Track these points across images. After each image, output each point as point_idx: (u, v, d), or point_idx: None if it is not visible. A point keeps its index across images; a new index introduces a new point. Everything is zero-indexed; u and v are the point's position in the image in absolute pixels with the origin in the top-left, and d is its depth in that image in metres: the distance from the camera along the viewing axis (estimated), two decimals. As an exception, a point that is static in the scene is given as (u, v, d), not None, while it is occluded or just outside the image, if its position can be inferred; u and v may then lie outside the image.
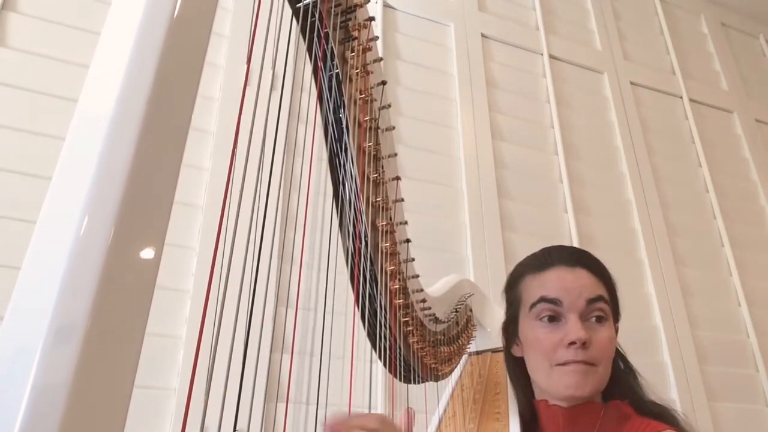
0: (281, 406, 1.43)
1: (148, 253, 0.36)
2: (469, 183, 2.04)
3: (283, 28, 0.59)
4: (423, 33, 2.29)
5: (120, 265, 0.34)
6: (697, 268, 2.31)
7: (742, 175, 2.66)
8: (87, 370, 0.32)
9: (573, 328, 0.91)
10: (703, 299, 2.24)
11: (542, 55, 2.49)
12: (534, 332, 0.96)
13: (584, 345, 0.90)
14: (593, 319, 0.94)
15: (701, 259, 2.35)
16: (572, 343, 0.91)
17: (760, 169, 2.68)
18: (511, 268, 1.91)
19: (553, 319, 0.95)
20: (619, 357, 1.03)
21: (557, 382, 0.93)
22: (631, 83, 2.62)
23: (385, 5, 2.22)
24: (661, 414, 0.94)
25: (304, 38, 0.59)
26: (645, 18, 2.92)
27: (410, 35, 2.25)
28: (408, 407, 0.98)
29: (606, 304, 0.96)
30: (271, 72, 1.60)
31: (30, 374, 0.31)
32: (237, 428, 0.53)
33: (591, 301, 0.94)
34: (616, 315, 1.00)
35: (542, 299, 0.96)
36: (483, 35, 2.40)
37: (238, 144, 0.52)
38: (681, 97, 2.73)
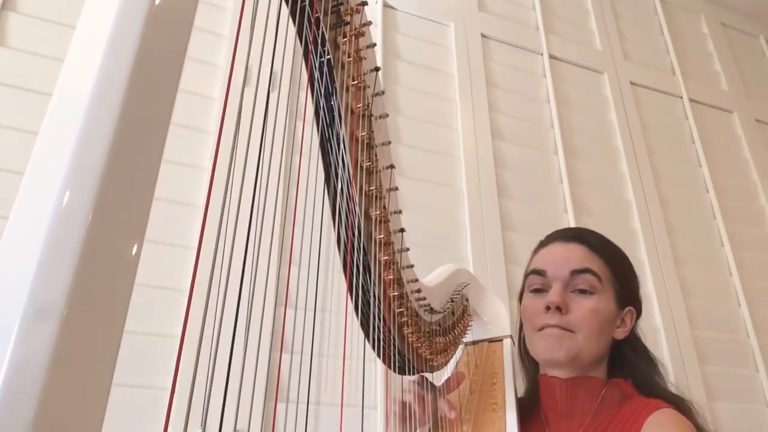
0: (280, 406, 1.42)
1: (130, 233, 0.35)
2: (469, 183, 2.04)
3: (279, 23, 0.59)
4: (423, 33, 2.28)
5: (100, 244, 0.34)
6: (697, 267, 2.31)
7: (742, 175, 2.65)
8: (65, 348, 0.31)
9: (551, 293, 0.95)
10: (702, 299, 2.23)
11: (542, 55, 2.49)
12: (524, 302, 1.01)
13: (559, 310, 0.93)
14: (577, 290, 0.95)
15: (701, 259, 2.34)
16: (548, 307, 0.94)
17: (760, 169, 2.67)
18: (511, 267, 1.93)
19: (541, 290, 0.98)
20: (631, 343, 1.03)
21: (537, 345, 0.96)
22: (631, 83, 2.62)
23: (385, 5, 2.23)
24: (666, 397, 0.93)
25: (294, 22, 0.60)
26: (645, 18, 2.91)
27: (410, 35, 2.25)
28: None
29: (594, 277, 0.96)
30: (265, 69, 1.59)
31: (7, 352, 0.31)
32: (237, 428, 0.53)
33: (576, 272, 0.96)
34: (623, 297, 1.00)
35: (532, 272, 1.00)
36: (483, 35, 2.40)
37: (238, 143, 0.52)
38: (681, 97, 2.73)
